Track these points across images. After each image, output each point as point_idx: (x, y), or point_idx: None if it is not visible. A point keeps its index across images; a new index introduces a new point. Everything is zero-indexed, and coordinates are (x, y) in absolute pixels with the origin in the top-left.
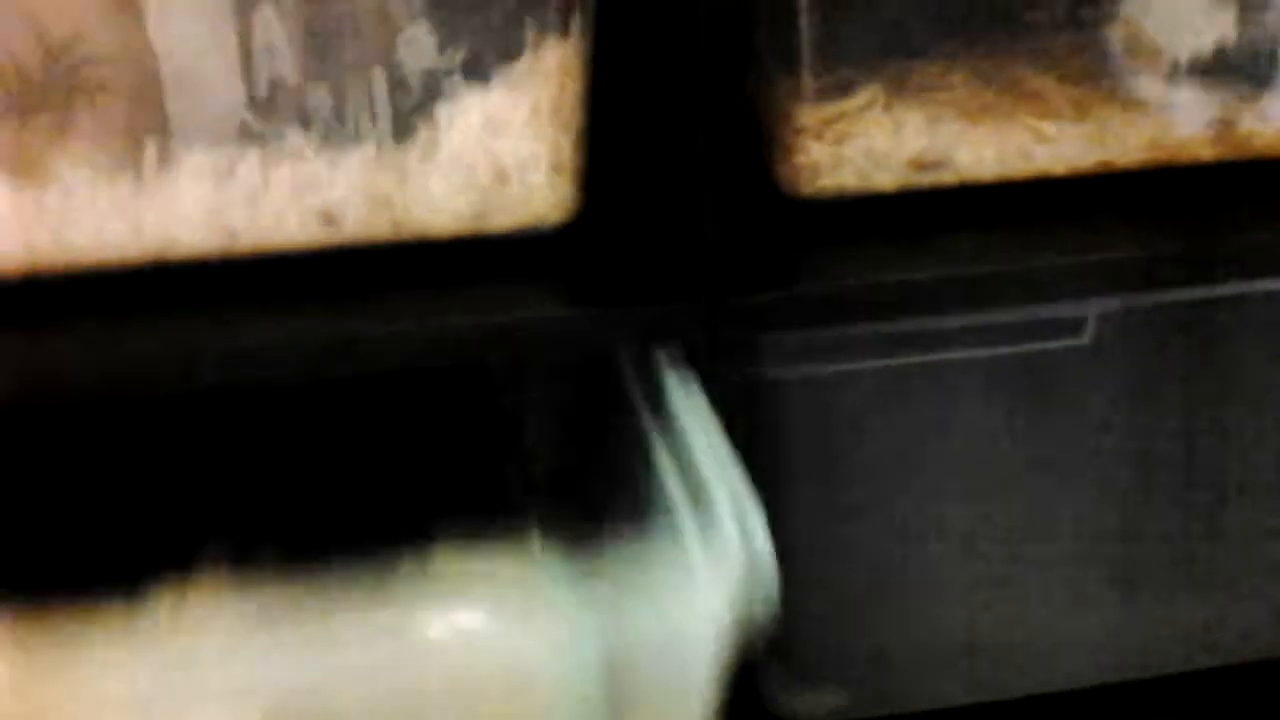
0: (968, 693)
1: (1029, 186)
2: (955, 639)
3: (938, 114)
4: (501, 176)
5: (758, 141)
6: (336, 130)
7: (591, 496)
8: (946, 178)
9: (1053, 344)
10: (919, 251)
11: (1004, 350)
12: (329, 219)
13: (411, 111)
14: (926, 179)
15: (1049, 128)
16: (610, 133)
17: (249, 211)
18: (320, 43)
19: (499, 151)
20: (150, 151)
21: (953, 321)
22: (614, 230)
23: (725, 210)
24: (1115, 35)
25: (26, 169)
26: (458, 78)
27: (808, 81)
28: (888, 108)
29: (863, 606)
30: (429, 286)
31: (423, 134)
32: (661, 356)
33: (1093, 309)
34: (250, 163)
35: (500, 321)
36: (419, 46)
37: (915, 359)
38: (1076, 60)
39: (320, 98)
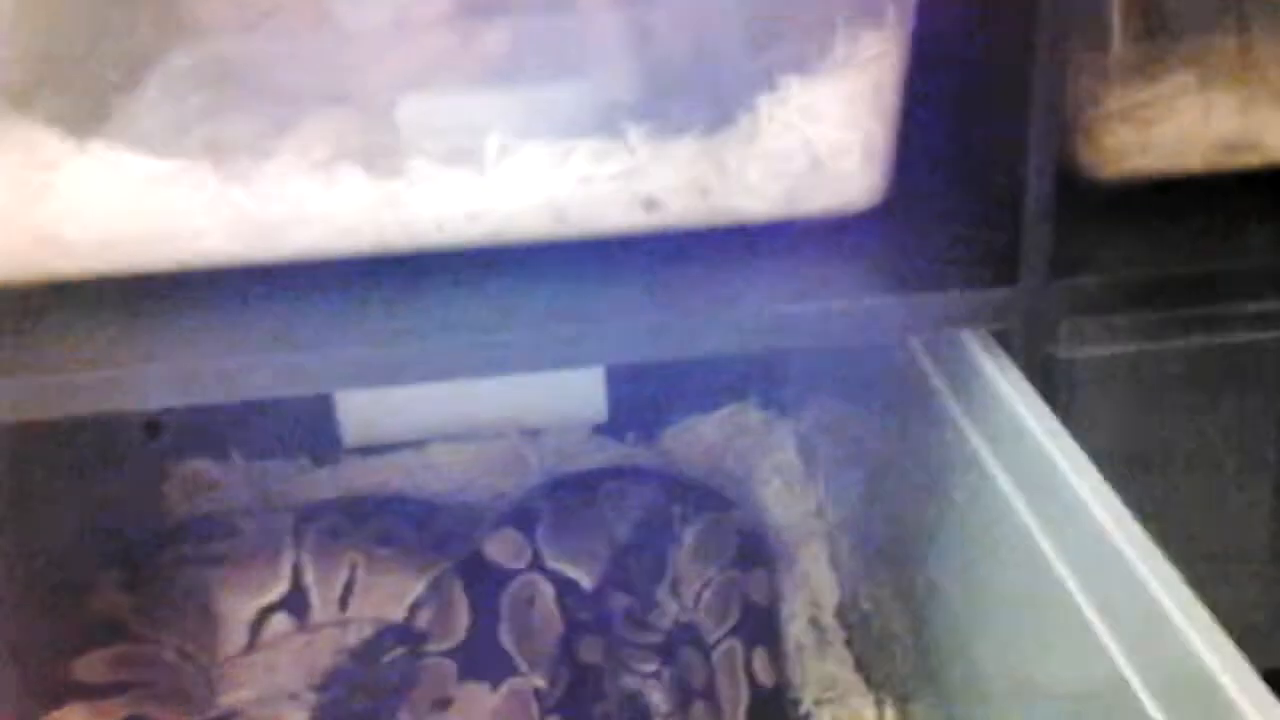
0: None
1: None
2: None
3: (1249, 96)
4: (815, 163)
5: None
6: (662, 122)
7: None
8: (1253, 160)
9: None
10: (1226, 235)
11: None
12: (651, 204)
13: (734, 102)
14: (1232, 161)
15: None
16: (921, 118)
17: (579, 198)
18: (646, 39)
19: (814, 138)
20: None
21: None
22: (922, 214)
23: (1036, 195)
24: None
25: (382, 160)
26: (779, 68)
27: (1120, 64)
28: (1200, 90)
29: None
30: (744, 271)
31: (744, 123)
32: (971, 339)
33: None
34: (582, 153)
35: (816, 307)
36: (742, 39)
37: (1215, 340)
38: None
39: (647, 91)
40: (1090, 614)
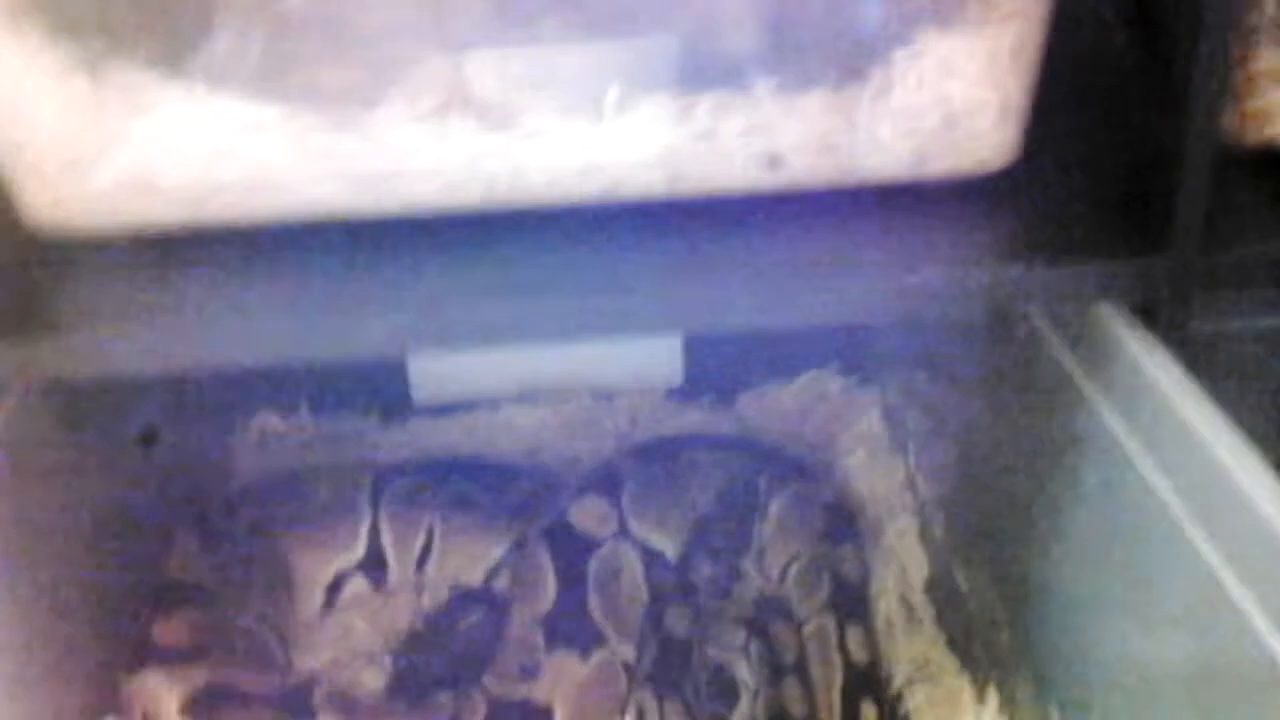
0: None
1: None
2: None
3: None
4: (949, 121)
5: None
6: (791, 75)
7: None
8: None
9: None
10: None
11: None
12: (775, 162)
13: (867, 55)
14: None
15: None
16: (1061, 76)
17: (699, 153)
18: None
19: (950, 95)
20: (612, 94)
21: None
22: (1059, 177)
23: (1195, 159)
24: None
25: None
26: (915, 21)
27: (1271, 23)
28: None
29: None
30: (869, 233)
31: (876, 78)
32: (1109, 312)
33: None
34: (705, 106)
35: (942, 275)
36: None
37: None
38: None
39: (775, 43)
40: (1248, 603)
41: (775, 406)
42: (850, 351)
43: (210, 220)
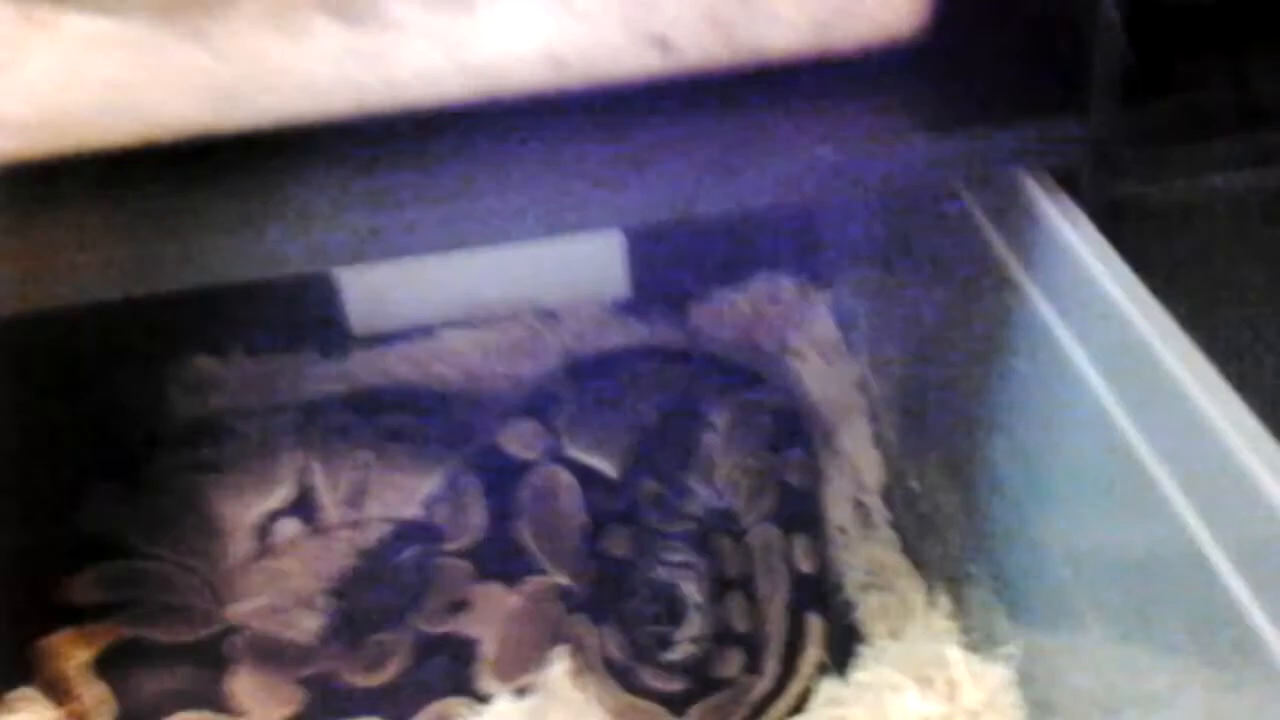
0: None
1: None
2: None
3: None
4: None
5: None
6: None
7: None
8: None
9: None
10: None
11: None
12: (662, 42)
13: None
14: None
15: None
16: None
17: (580, 39)
18: None
19: None
20: None
21: None
22: (972, 43)
23: (1106, 16)
24: None
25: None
26: None
27: None
28: None
29: None
30: (773, 114)
31: None
32: (1029, 181)
33: None
34: None
35: (856, 151)
36: None
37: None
38: None
39: None
40: (1166, 482)
41: (726, 313)
42: (802, 252)
43: (75, 150)
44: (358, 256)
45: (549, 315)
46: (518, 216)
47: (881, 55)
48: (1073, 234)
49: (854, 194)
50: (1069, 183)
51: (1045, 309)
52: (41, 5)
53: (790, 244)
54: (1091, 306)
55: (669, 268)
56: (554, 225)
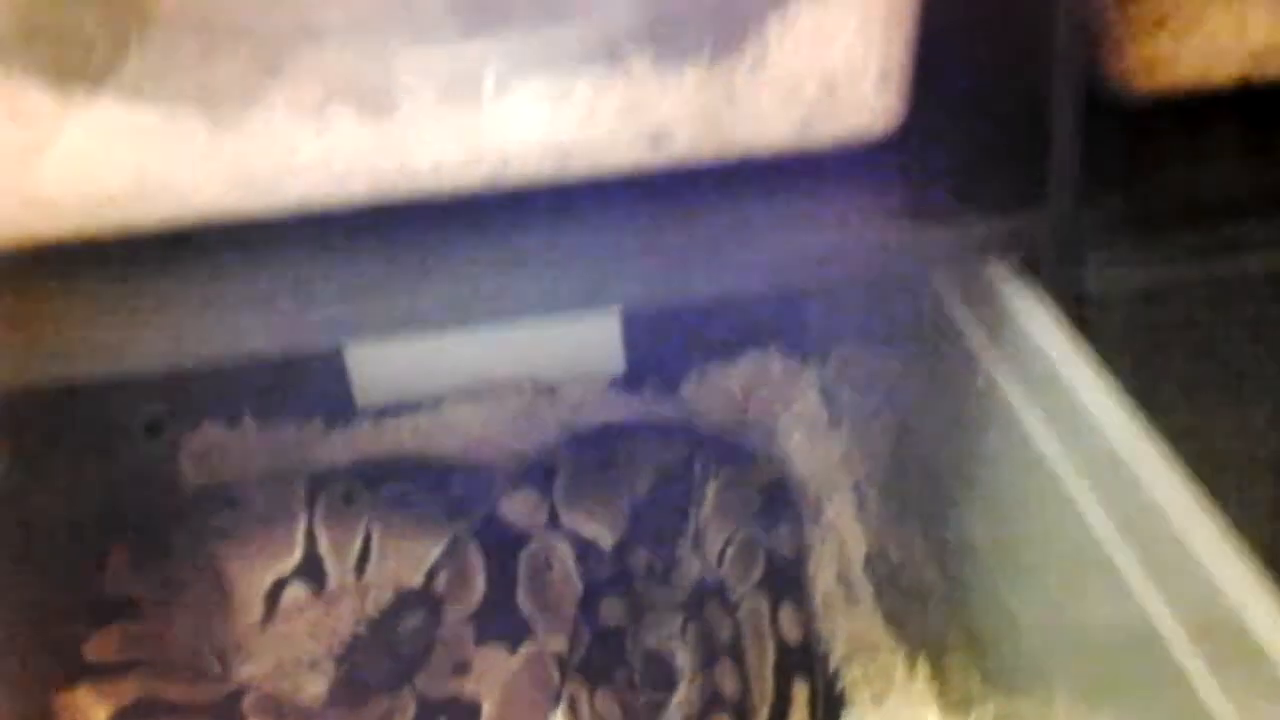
0: None
1: None
2: None
3: None
4: (828, 88)
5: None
6: (666, 50)
7: None
8: None
9: None
10: (1265, 150)
11: None
12: (658, 138)
13: (741, 26)
14: (1268, 71)
15: None
16: (941, 38)
17: (581, 134)
18: None
19: (827, 62)
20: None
21: None
22: (944, 139)
23: (1063, 110)
24: None
25: (374, 100)
26: None
27: None
28: None
29: None
30: (756, 205)
31: (752, 48)
32: (997, 270)
33: None
34: (583, 86)
35: (834, 241)
36: None
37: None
38: None
39: (649, 17)
40: (1121, 561)
41: (718, 389)
42: (792, 329)
43: (102, 230)
44: (371, 332)
45: (548, 390)
46: (518, 297)
47: (858, 150)
48: (1033, 320)
49: (832, 281)
50: (1035, 269)
51: (1009, 391)
52: (77, 90)
53: (780, 322)
54: (1050, 391)
55: (663, 345)
56: (552, 305)
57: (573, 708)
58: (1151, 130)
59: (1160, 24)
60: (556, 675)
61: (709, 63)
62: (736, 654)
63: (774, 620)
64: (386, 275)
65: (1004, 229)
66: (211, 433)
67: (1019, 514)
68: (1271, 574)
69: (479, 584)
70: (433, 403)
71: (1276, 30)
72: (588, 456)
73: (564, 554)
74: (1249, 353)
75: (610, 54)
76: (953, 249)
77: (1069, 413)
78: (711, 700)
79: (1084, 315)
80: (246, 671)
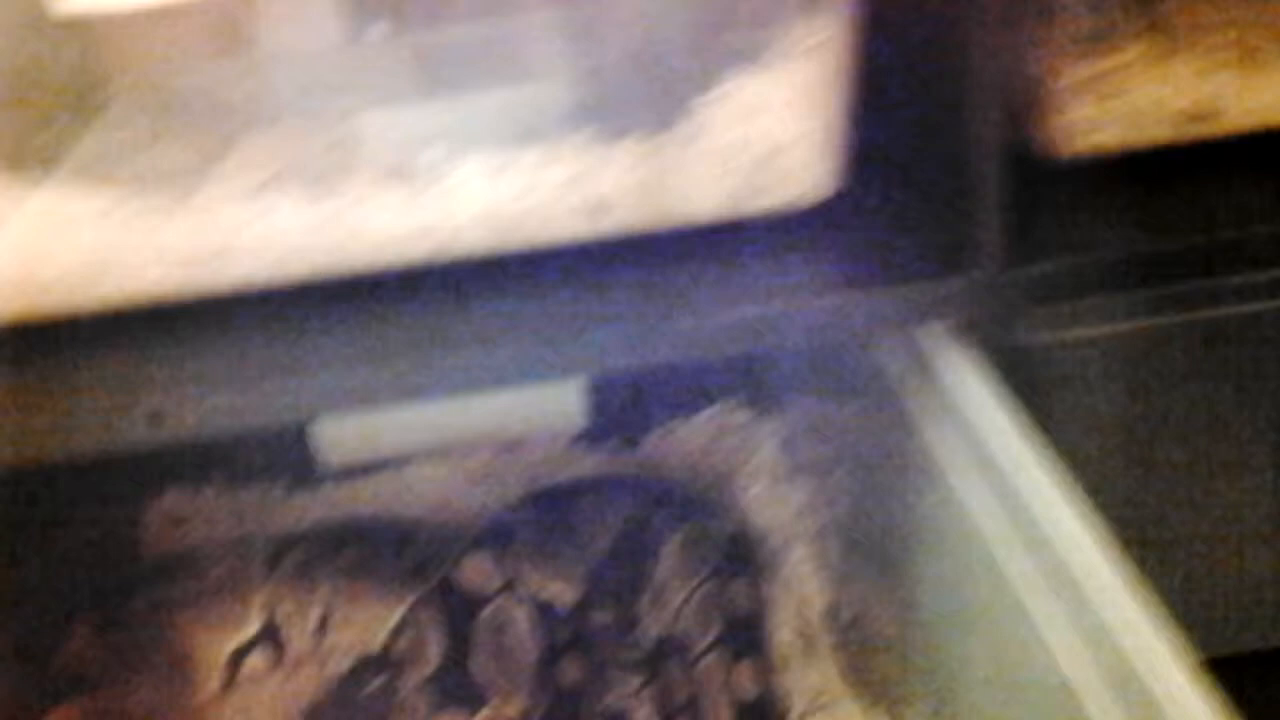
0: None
1: None
2: None
3: (1211, 64)
4: (763, 159)
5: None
6: (605, 126)
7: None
8: (1216, 129)
9: None
10: (1192, 210)
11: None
12: (596, 211)
13: (677, 101)
14: (1195, 131)
15: None
16: (873, 107)
17: (522, 208)
18: (584, 38)
19: (762, 134)
20: (428, 157)
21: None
22: (877, 207)
23: (983, 178)
24: None
25: (317, 180)
26: (720, 63)
27: (1073, 36)
28: (1160, 59)
29: None
30: (695, 274)
31: (687, 122)
32: (929, 335)
33: None
34: (523, 161)
35: (768, 309)
36: (682, 36)
37: (1177, 319)
38: None
39: (586, 96)
40: (1041, 618)
41: (680, 443)
42: (752, 385)
43: (51, 310)
44: (339, 406)
45: (509, 447)
46: (465, 371)
47: (793, 218)
48: (963, 383)
49: (770, 347)
50: (971, 329)
51: (941, 452)
52: (24, 175)
53: (741, 375)
54: (978, 454)
55: (624, 400)
56: (509, 377)
57: None
58: (1085, 191)
59: (1086, 89)
60: None
61: (645, 137)
62: (694, 713)
63: (733, 676)
64: (345, 351)
65: (934, 294)
66: (173, 498)
67: (955, 569)
68: (1180, 631)
69: (435, 650)
70: (395, 463)
71: (1202, 94)
72: (547, 516)
73: (521, 616)
74: (1180, 403)
75: (548, 131)
76: (886, 315)
77: (996, 474)
78: None
79: (1018, 374)
80: None
